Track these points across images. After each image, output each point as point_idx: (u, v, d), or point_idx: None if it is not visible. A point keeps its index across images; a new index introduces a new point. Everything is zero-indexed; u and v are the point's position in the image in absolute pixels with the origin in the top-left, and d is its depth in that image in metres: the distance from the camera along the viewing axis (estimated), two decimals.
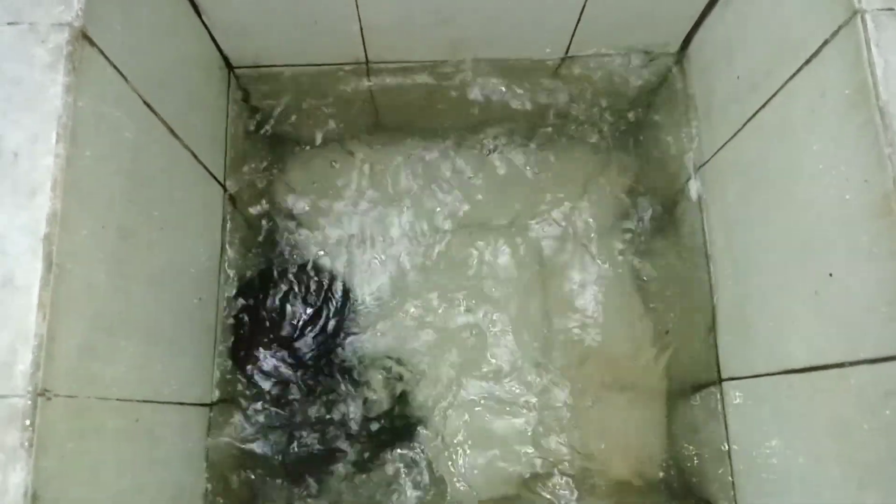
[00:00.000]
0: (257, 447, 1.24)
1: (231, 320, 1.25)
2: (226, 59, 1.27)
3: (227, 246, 1.23)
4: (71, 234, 0.73)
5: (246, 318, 1.28)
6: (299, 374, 1.32)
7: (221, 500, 1.14)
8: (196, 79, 1.16)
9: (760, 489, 1.04)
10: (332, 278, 1.43)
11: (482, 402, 1.39)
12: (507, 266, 1.47)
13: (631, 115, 1.44)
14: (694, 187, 1.24)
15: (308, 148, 1.49)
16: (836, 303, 0.83)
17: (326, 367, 1.35)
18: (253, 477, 1.24)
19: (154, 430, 0.93)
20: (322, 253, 1.45)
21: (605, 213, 1.49)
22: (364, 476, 1.30)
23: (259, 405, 1.26)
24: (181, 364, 1.04)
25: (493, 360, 1.41)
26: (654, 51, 1.28)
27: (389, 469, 1.31)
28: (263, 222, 1.37)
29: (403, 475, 1.31)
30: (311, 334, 1.36)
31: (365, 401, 1.36)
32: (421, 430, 1.36)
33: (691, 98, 1.26)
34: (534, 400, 1.38)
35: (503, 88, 1.36)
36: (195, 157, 1.10)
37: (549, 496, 1.32)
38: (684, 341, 1.30)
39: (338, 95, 1.38)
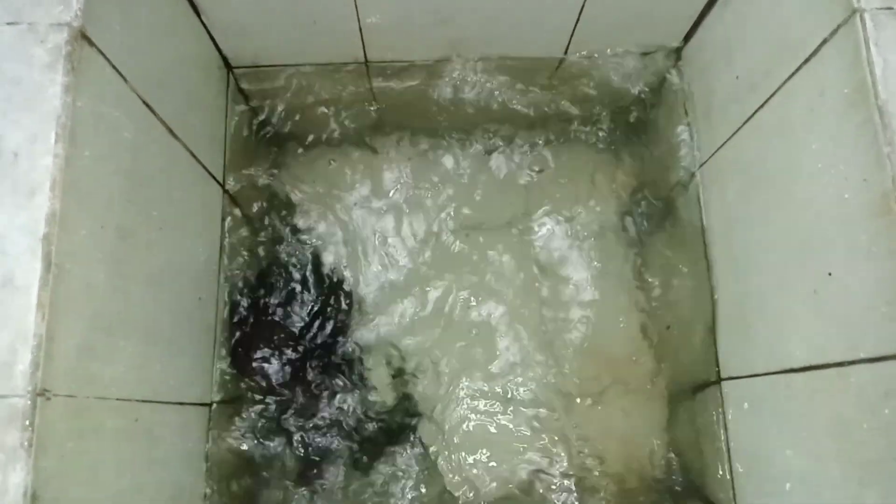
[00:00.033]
0: (257, 447, 1.23)
1: (231, 320, 1.25)
2: (225, 58, 1.27)
3: (226, 245, 1.23)
4: (70, 234, 0.73)
5: (246, 318, 1.28)
6: (299, 373, 1.32)
7: (221, 501, 1.14)
8: (195, 79, 1.16)
9: (760, 489, 1.04)
10: (331, 277, 1.43)
11: (482, 401, 1.39)
12: (508, 265, 1.47)
13: (630, 115, 1.44)
14: (693, 187, 1.24)
15: (307, 147, 1.49)
16: (835, 302, 0.83)
17: (326, 366, 1.35)
18: (253, 476, 1.24)
19: (153, 429, 0.93)
20: (321, 252, 1.45)
21: (604, 213, 1.49)
22: (364, 476, 1.30)
23: (259, 405, 1.26)
24: (180, 364, 1.04)
25: (494, 360, 1.41)
26: (654, 51, 1.28)
27: (389, 469, 1.31)
28: (263, 222, 1.37)
29: (404, 475, 1.31)
30: (311, 333, 1.36)
31: (365, 400, 1.36)
32: (421, 430, 1.36)
33: (690, 98, 1.26)
34: (534, 400, 1.38)
35: (503, 88, 1.36)
36: (194, 156, 1.10)
37: (549, 496, 1.32)
38: (684, 341, 1.30)
39: (337, 95, 1.38)
